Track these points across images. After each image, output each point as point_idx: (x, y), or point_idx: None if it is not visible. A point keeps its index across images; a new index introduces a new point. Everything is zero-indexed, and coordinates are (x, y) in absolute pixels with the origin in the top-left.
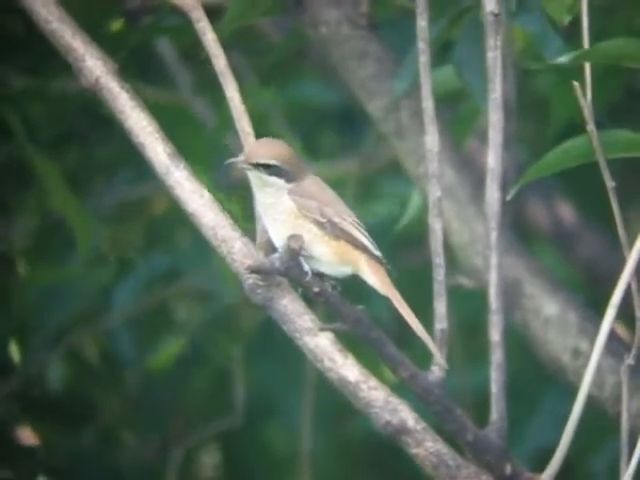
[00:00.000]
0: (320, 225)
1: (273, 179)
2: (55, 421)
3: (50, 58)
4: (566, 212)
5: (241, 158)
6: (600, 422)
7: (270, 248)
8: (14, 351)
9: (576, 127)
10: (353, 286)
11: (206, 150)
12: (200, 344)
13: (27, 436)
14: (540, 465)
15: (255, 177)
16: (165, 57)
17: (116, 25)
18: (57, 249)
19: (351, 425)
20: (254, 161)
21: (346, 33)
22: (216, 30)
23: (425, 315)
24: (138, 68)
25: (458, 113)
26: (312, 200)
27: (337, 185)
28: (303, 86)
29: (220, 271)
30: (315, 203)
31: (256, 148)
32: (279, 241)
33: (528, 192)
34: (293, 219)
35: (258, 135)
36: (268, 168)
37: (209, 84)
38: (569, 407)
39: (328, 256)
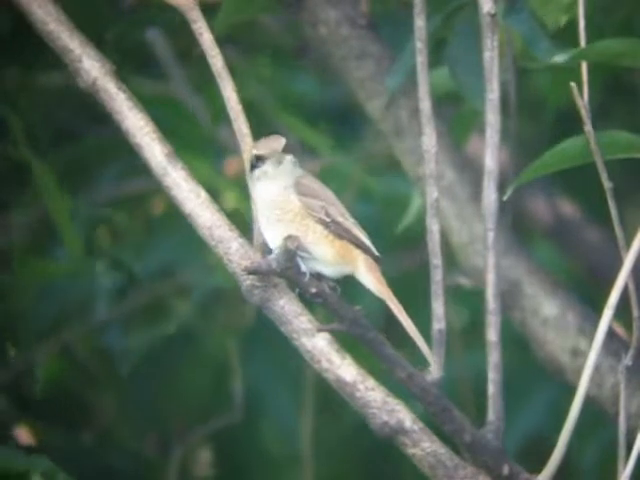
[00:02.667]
0: (325, 224)
1: (290, 159)
2: (49, 419)
3: (44, 52)
4: (566, 205)
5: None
6: (592, 415)
7: (267, 249)
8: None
9: (573, 127)
10: (348, 286)
11: (202, 143)
12: (195, 338)
13: (24, 435)
14: (530, 452)
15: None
16: (160, 53)
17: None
18: (52, 246)
19: (350, 423)
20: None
21: (345, 33)
22: (212, 27)
23: (424, 315)
24: (134, 64)
25: (458, 113)
26: (316, 199)
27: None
28: (300, 81)
29: (215, 268)
30: (320, 202)
31: (269, 143)
32: (279, 241)
33: (529, 186)
34: (299, 219)
35: (256, 128)
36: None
37: (204, 80)
38: (560, 395)
39: (330, 256)
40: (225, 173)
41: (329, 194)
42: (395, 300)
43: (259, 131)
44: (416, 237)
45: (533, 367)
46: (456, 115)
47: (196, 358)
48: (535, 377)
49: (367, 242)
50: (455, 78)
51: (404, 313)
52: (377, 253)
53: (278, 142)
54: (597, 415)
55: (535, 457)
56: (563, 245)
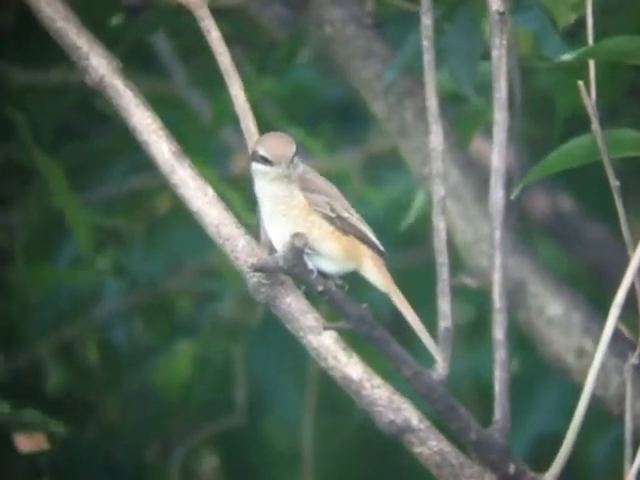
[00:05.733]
0: (330, 220)
1: (296, 160)
2: (54, 416)
3: (48, 49)
4: (567, 203)
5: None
6: (598, 413)
7: (273, 246)
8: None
9: (581, 125)
10: (354, 283)
11: (204, 142)
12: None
13: (25, 442)
14: (539, 452)
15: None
16: (161, 50)
17: (115, 20)
18: (54, 245)
19: (353, 422)
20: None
21: (351, 32)
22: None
23: (429, 313)
24: (135, 61)
25: (463, 113)
26: (321, 195)
27: (338, 177)
28: (303, 75)
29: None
30: (324, 198)
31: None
32: (283, 238)
33: (530, 184)
34: (305, 215)
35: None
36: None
37: (205, 77)
38: (568, 394)
39: (337, 252)
40: (231, 172)
41: (333, 190)
42: (400, 295)
43: (260, 130)
44: (420, 235)
45: (542, 366)
46: (460, 115)
47: (200, 358)
48: (545, 376)
49: (373, 237)
50: (449, 67)
51: (410, 308)
52: (382, 248)
53: (287, 145)
54: (603, 415)
55: (548, 457)
56: (564, 241)
